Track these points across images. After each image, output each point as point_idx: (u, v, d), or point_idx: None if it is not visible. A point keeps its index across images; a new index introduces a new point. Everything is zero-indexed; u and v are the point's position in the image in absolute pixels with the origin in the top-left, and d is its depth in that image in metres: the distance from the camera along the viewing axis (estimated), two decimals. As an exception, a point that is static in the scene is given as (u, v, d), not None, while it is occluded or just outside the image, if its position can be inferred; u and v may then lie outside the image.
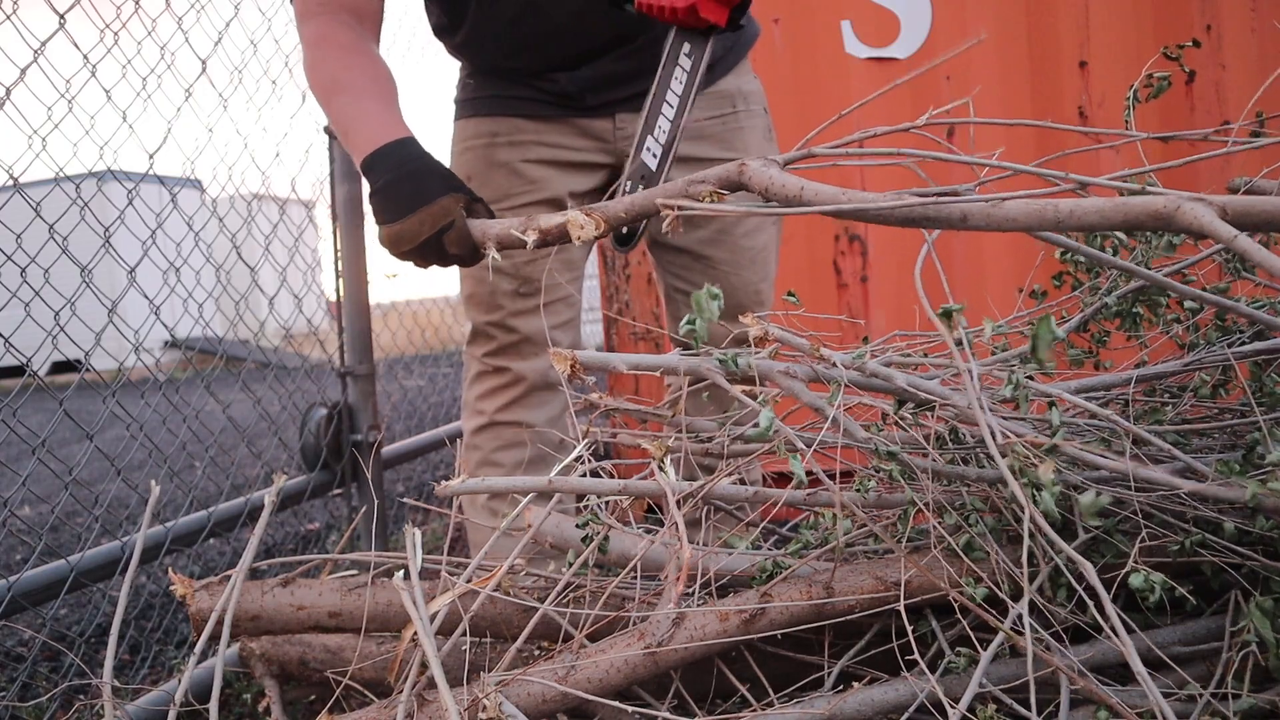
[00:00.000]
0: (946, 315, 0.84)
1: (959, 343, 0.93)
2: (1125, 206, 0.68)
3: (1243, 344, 1.19)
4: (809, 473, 1.06)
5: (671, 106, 1.37)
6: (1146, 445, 1.04)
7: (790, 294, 1.19)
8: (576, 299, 1.71)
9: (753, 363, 1.07)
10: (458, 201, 1.22)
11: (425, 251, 1.24)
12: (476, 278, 1.64)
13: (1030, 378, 1.01)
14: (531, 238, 1.15)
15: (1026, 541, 0.83)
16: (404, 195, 1.24)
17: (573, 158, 1.61)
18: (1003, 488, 1.03)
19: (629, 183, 1.38)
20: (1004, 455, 0.89)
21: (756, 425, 1.00)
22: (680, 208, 1.02)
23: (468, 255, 1.24)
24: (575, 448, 1.13)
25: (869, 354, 1.07)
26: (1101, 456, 0.91)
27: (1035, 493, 0.97)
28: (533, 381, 1.65)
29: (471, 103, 1.64)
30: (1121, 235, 1.19)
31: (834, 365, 1.05)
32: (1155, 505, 1.01)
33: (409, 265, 1.37)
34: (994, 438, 0.84)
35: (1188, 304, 1.24)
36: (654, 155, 1.37)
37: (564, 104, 1.59)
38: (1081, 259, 1.20)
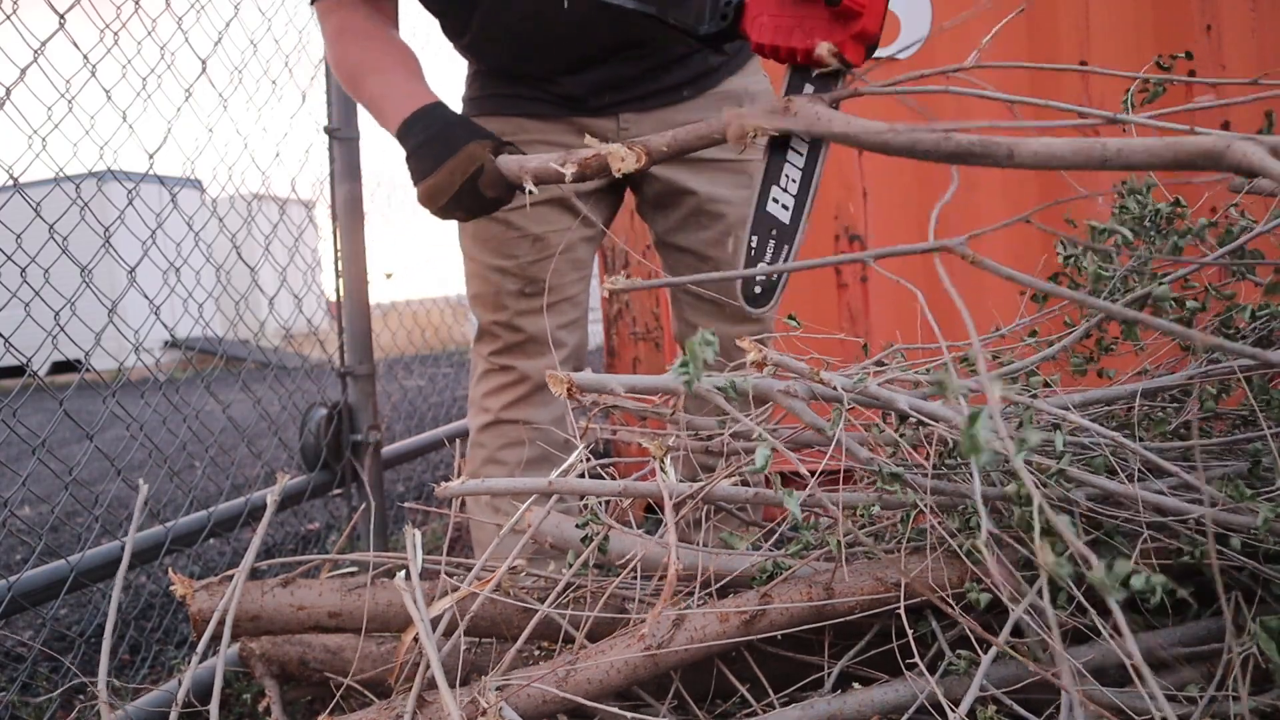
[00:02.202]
0: (940, 386, 0.83)
1: (963, 360, 0.93)
2: (1175, 146, 0.67)
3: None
4: (810, 472, 1.06)
5: (800, 154, 1.15)
6: (1152, 460, 1.04)
7: (791, 317, 1.18)
8: (583, 298, 1.71)
9: (753, 383, 1.07)
10: (484, 147, 1.22)
11: (463, 201, 1.25)
12: (481, 277, 1.64)
13: (1034, 395, 1.01)
14: (570, 170, 1.11)
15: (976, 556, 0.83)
16: (431, 152, 1.26)
17: None
18: (1011, 505, 1.03)
19: (754, 238, 1.17)
20: (1011, 476, 0.89)
21: (754, 460, 1.00)
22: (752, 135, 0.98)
23: (505, 195, 1.24)
24: (578, 446, 1.13)
25: (869, 374, 1.07)
26: (1109, 481, 0.91)
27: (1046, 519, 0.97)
28: (538, 380, 1.65)
29: (476, 101, 1.65)
30: (1127, 233, 1.19)
31: (834, 388, 1.05)
32: (1157, 510, 1.01)
33: (456, 222, 1.36)
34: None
35: (1189, 305, 1.24)
36: (785, 207, 1.15)
37: (567, 105, 1.59)
38: (1084, 264, 1.20)
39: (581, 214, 1.63)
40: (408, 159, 1.32)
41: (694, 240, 1.66)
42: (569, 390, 1.07)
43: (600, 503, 1.13)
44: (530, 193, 1.18)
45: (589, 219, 1.65)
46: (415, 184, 1.29)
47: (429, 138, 1.29)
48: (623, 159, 1.07)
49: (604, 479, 1.13)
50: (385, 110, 1.38)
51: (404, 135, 1.34)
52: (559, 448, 1.64)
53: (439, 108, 1.34)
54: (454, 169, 1.24)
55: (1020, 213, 0.92)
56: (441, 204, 1.27)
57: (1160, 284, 1.12)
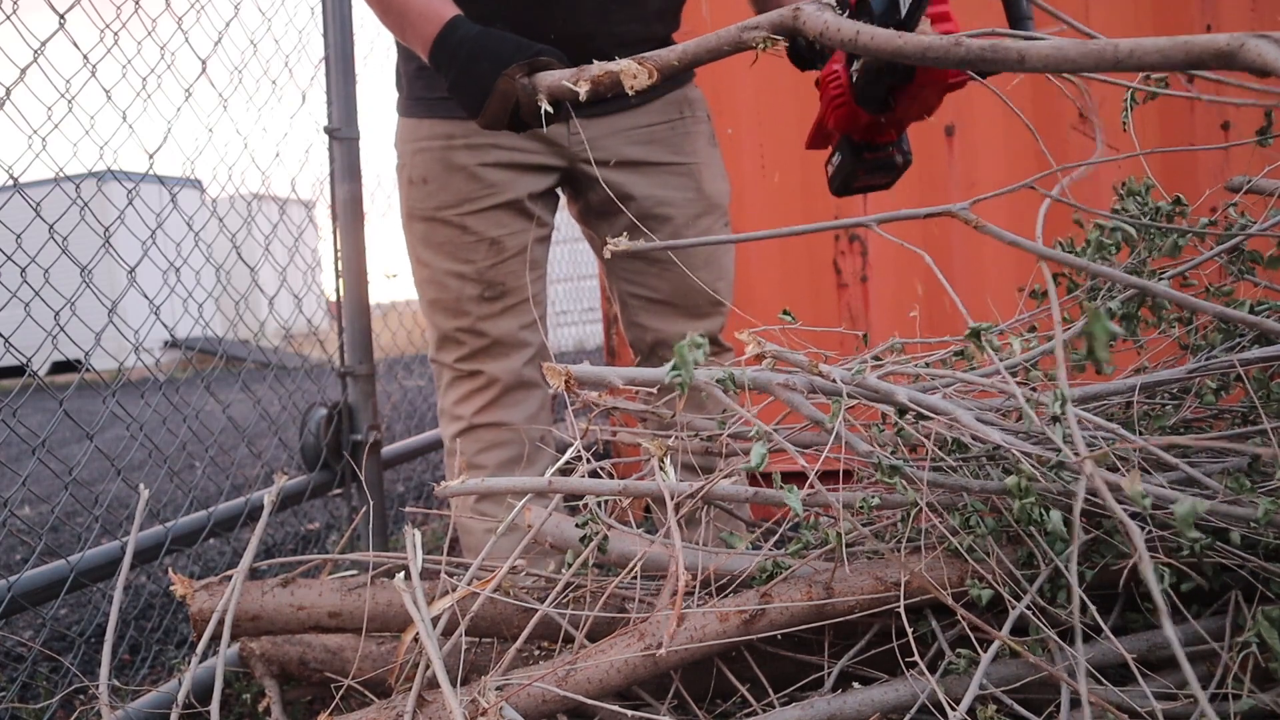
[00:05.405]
0: (975, 335, 0.83)
1: (959, 355, 0.93)
2: (1187, 45, 0.66)
3: (1244, 348, 1.19)
4: (810, 470, 1.06)
5: None
6: (1151, 454, 1.04)
7: (785, 312, 1.18)
8: (542, 298, 1.72)
9: (751, 376, 1.06)
10: (513, 79, 1.22)
11: (516, 128, 1.27)
12: (439, 284, 1.64)
13: (1034, 389, 1.01)
14: (584, 88, 1.11)
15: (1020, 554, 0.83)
16: (470, 93, 1.28)
17: (528, 160, 1.61)
18: (1011, 499, 1.03)
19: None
20: (1012, 472, 0.89)
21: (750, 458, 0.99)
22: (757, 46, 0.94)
23: (544, 123, 1.24)
24: (565, 445, 1.13)
25: (868, 367, 1.07)
26: (1110, 474, 0.91)
27: (1043, 512, 0.97)
28: (507, 382, 1.65)
29: (425, 103, 1.64)
30: (1130, 229, 1.19)
31: (833, 380, 1.05)
32: (1158, 504, 1.01)
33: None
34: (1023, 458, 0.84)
35: (1189, 304, 1.24)
36: None
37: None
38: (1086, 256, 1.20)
39: (534, 215, 1.63)
40: (449, 92, 1.34)
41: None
42: (567, 383, 1.07)
43: (599, 502, 1.13)
44: (546, 111, 1.18)
45: (542, 219, 1.65)
46: (469, 117, 1.32)
47: (459, 76, 1.30)
48: (634, 76, 1.06)
49: (602, 478, 1.13)
50: (406, 33, 1.39)
51: (435, 67, 1.35)
52: (536, 446, 1.65)
53: (456, 29, 1.33)
54: (495, 111, 1.25)
55: (1020, 208, 0.92)
56: (500, 128, 1.29)
57: (1160, 279, 1.12)
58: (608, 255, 0.97)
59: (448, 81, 1.33)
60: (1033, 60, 0.73)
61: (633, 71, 1.06)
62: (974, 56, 0.76)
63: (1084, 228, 1.26)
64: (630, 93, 1.07)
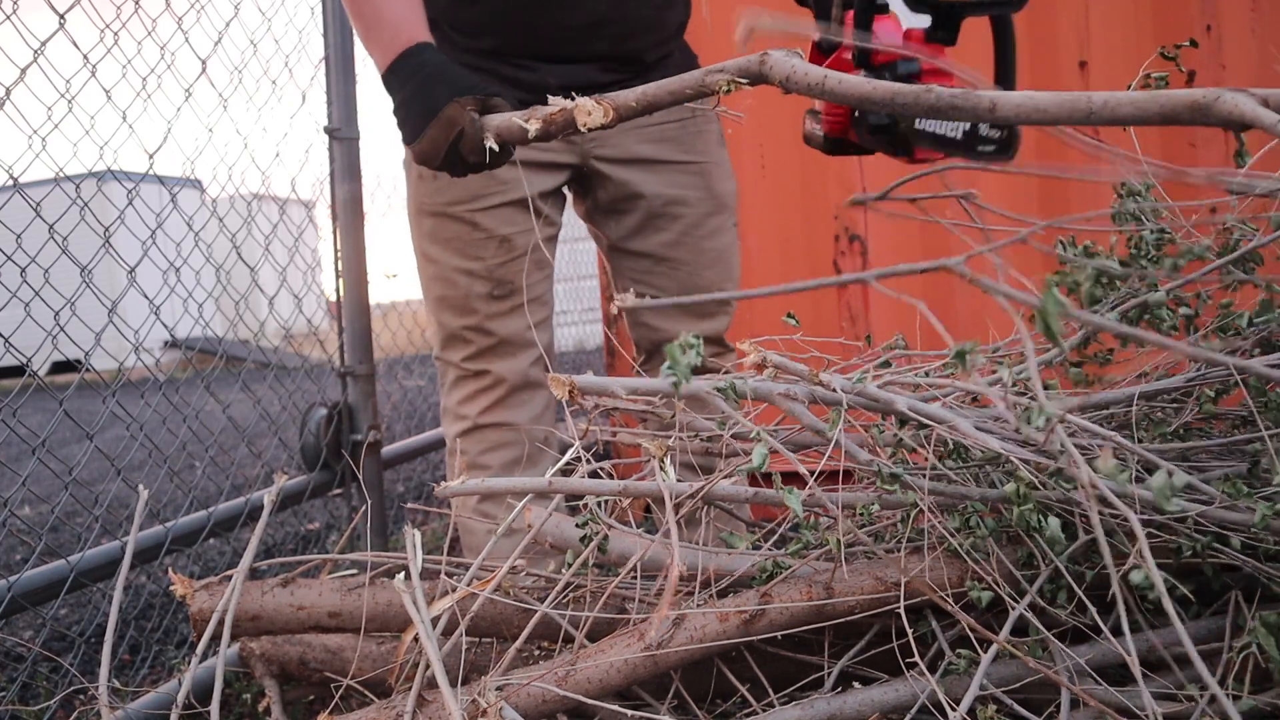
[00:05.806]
0: (960, 356, 0.83)
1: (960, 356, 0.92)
2: (1161, 99, 0.65)
3: (1245, 354, 1.19)
4: (810, 472, 1.06)
5: None
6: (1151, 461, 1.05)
7: (789, 315, 1.17)
8: (549, 297, 1.71)
9: (753, 386, 1.06)
10: (463, 107, 1.19)
11: (452, 165, 1.24)
12: (447, 280, 1.63)
13: (1033, 398, 1.01)
14: (535, 127, 1.09)
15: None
16: (416, 112, 1.25)
17: (541, 158, 1.60)
18: (1011, 505, 1.03)
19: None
20: (1013, 475, 0.89)
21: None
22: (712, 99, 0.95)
23: (485, 160, 1.20)
24: (566, 446, 1.13)
25: (869, 375, 1.07)
26: (1107, 480, 0.91)
27: (1041, 518, 0.97)
28: (513, 382, 1.64)
29: None
30: (1115, 265, 1.19)
31: (834, 390, 1.05)
32: (1156, 508, 1.01)
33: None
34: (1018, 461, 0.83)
35: (1183, 311, 1.24)
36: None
37: (537, 103, 1.59)
38: (1081, 281, 1.20)
39: (544, 214, 1.62)
40: (394, 112, 1.31)
41: (651, 244, 1.66)
42: (571, 393, 1.06)
43: (599, 502, 1.13)
44: (491, 149, 1.16)
45: (551, 218, 1.65)
46: (405, 144, 1.28)
47: (411, 94, 1.26)
48: (589, 113, 1.03)
49: (603, 479, 1.13)
50: (370, 45, 1.37)
51: (389, 83, 1.32)
52: (538, 447, 1.65)
53: (420, 52, 1.30)
54: (436, 135, 1.21)
55: (1021, 224, 0.92)
56: (434, 167, 1.26)
57: (1155, 291, 1.12)
58: (614, 310, 0.97)
59: (397, 99, 1.30)
60: (1004, 109, 0.73)
61: (587, 109, 1.03)
62: (944, 104, 0.75)
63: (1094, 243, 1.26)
64: (584, 130, 1.05)
